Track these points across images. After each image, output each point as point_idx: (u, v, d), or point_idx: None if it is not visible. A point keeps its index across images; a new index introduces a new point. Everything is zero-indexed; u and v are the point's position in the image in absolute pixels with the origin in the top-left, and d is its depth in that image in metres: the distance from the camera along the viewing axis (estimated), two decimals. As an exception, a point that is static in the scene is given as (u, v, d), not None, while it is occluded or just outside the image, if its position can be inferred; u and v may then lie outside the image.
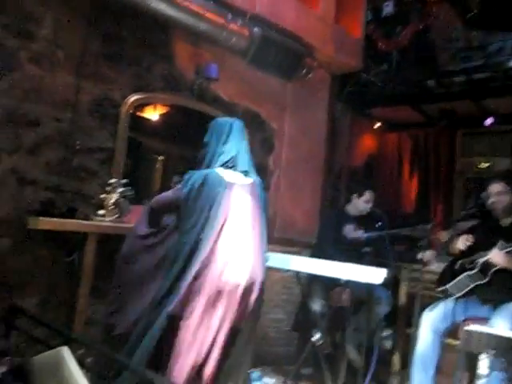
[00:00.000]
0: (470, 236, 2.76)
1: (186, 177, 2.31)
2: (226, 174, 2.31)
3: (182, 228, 2.29)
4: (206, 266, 2.15)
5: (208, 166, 2.37)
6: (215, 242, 2.18)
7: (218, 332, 2.14)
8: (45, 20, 2.72)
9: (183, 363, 2.10)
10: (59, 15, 2.77)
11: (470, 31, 4.27)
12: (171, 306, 2.15)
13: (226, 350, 2.19)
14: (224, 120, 2.53)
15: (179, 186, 2.35)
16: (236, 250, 2.21)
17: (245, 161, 2.42)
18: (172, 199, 2.36)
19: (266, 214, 2.43)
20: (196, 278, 2.14)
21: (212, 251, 2.16)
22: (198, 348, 2.12)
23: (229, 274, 2.16)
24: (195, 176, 2.29)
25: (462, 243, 2.76)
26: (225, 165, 2.34)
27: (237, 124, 2.48)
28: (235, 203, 2.28)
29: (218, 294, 2.12)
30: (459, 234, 2.91)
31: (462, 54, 4.21)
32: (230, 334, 2.18)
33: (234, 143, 2.41)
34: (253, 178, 2.41)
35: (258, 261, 2.27)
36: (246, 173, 2.38)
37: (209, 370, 2.12)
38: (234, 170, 2.35)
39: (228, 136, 2.41)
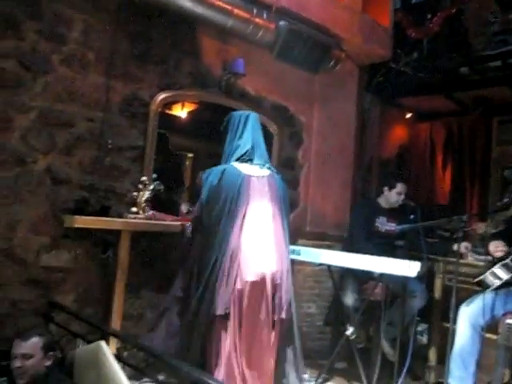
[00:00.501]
0: (501, 242, 2.65)
1: (204, 176, 2.33)
2: (243, 168, 2.32)
3: (206, 225, 2.32)
4: (234, 259, 2.16)
5: (226, 161, 2.38)
6: (239, 234, 2.20)
7: (262, 327, 2.16)
8: (75, 23, 2.78)
9: (229, 360, 2.12)
10: (88, 17, 2.83)
11: (506, 13, 4.08)
12: (200, 301, 2.18)
13: (277, 342, 2.23)
14: (239, 113, 2.53)
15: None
16: (259, 240, 2.22)
17: (261, 153, 2.42)
18: (199, 207, 2.38)
19: (286, 204, 2.43)
20: (227, 273, 2.15)
21: (237, 244, 2.18)
22: (246, 344, 2.14)
23: (256, 266, 2.17)
24: (213, 173, 2.32)
25: (495, 252, 2.63)
26: (241, 158, 2.35)
27: (252, 116, 2.48)
28: (254, 195, 2.30)
29: (248, 285, 2.14)
30: (493, 236, 2.81)
31: (498, 38, 4.03)
32: (276, 327, 2.20)
33: (250, 136, 2.41)
34: (269, 170, 2.41)
35: (282, 249, 2.28)
36: (262, 165, 2.38)
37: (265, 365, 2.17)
38: (251, 163, 2.36)
39: (243, 129, 2.41)
